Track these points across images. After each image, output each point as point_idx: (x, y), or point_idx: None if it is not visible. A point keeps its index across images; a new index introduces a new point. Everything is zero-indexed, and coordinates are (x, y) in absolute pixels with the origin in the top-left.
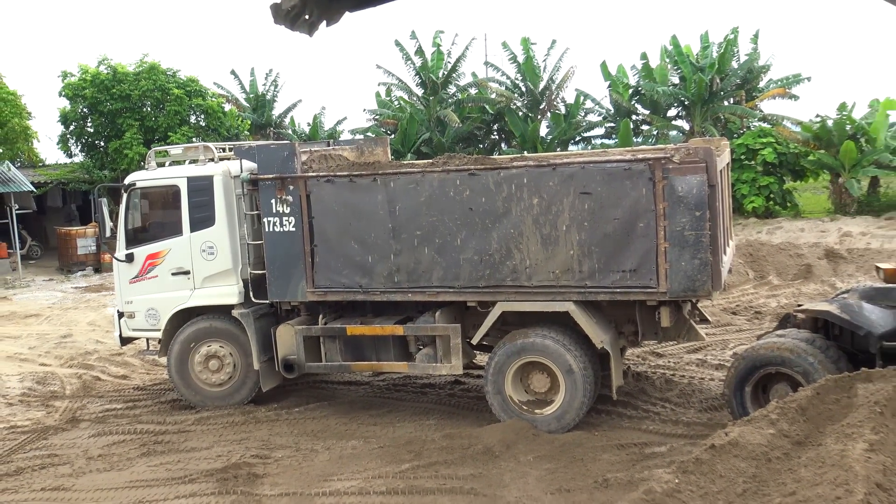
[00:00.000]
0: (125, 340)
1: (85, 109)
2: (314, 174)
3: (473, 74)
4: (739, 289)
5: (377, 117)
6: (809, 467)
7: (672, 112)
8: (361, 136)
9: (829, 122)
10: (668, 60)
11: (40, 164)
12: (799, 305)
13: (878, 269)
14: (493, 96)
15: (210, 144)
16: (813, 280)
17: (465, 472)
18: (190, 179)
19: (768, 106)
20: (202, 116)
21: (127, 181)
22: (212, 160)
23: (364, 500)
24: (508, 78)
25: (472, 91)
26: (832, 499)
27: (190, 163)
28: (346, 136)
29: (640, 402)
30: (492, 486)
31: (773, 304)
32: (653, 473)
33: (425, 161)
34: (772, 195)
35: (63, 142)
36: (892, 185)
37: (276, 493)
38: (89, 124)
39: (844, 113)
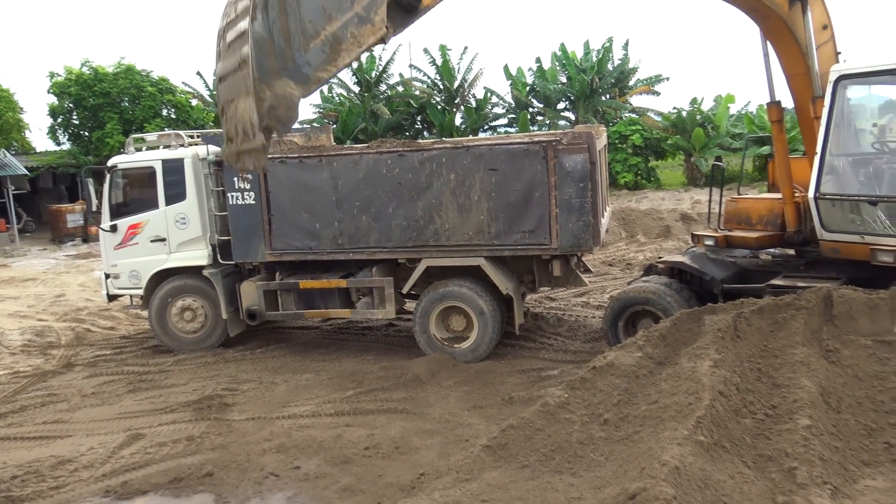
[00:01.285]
0: (111, 298)
1: (70, 104)
2: (270, 156)
3: (400, 75)
4: (614, 245)
5: (321, 110)
6: (668, 381)
7: (561, 105)
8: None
9: (684, 113)
10: (557, 64)
11: (32, 152)
12: (660, 258)
13: (693, 235)
14: (417, 93)
15: (181, 132)
16: (671, 238)
17: (398, 395)
18: (164, 161)
19: (636, 100)
20: (173, 110)
21: (110, 163)
22: (182, 145)
23: (316, 420)
24: (429, 77)
25: (400, 88)
26: (686, 405)
27: (163, 148)
28: (295, 126)
29: (538, 336)
30: (420, 405)
31: (640, 257)
32: (548, 391)
33: (362, 145)
34: (639, 171)
35: (52, 132)
36: (731, 163)
37: (244, 418)
38: (75, 117)
39: (695, 106)
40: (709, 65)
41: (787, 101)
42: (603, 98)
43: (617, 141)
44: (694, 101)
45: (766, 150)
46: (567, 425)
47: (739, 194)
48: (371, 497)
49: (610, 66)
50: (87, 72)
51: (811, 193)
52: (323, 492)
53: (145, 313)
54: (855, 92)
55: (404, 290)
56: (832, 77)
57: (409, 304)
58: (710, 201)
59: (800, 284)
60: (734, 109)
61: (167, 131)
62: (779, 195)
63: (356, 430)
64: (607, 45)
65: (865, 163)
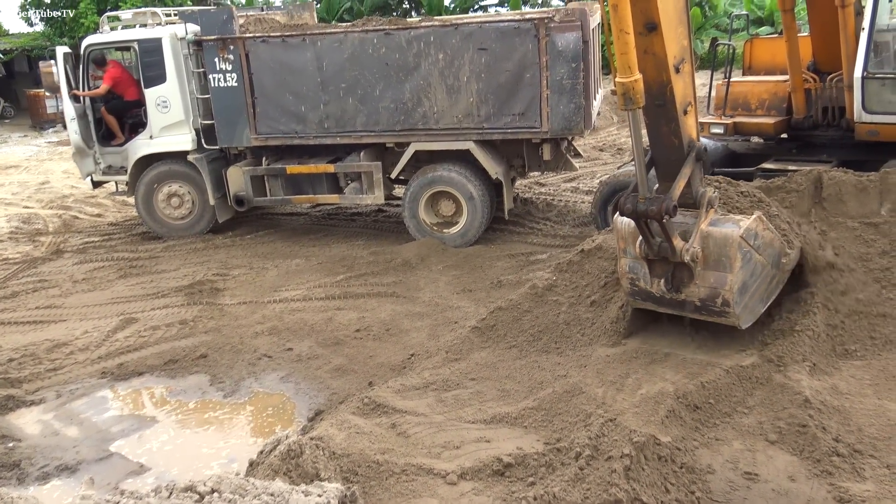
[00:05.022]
0: (97, 184)
1: None
2: (251, 35)
3: None
4: (605, 130)
5: None
6: None
7: None
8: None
9: None
10: None
11: (5, 34)
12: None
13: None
14: None
15: (157, 10)
16: None
17: (388, 279)
18: (141, 42)
19: None
20: None
21: (84, 44)
22: (160, 24)
23: (308, 304)
24: None
25: None
26: None
27: (140, 27)
28: (276, 4)
29: (527, 221)
30: (410, 289)
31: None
32: (536, 274)
33: (347, 24)
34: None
35: (24, 12)
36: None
37: (235, 303)
38: None
39: None
40: None
41: None
42: None
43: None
44: None
45: (765, 30)
46: (554, 307)
47: (728, 78)
48: (362, 376)
49: None
50: None
51: (858, 73)
52: (315, 372)
53: (132, 200)
54: None
55: (393, 175)
56: None
57: (398, 190)
58: (710, 83)
59: (790, 168)
60: None
61: (143, 9)
62: (773, 77)
63: (347, 314)
64: None
65: None
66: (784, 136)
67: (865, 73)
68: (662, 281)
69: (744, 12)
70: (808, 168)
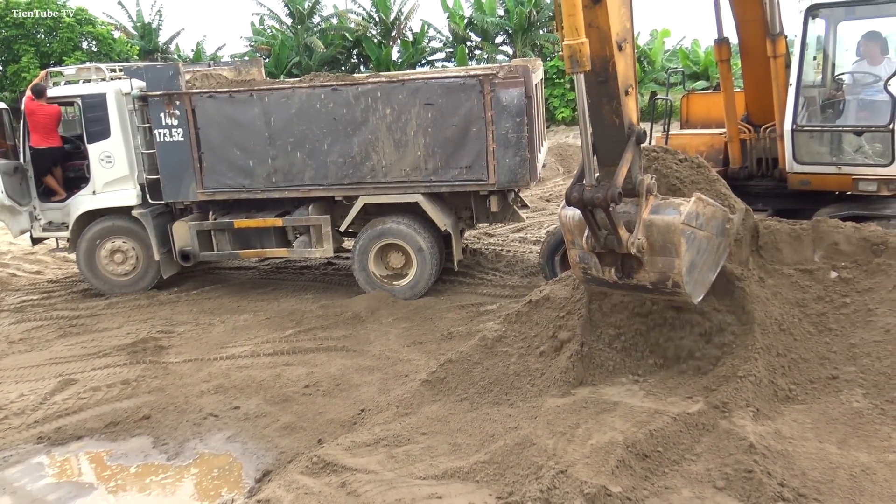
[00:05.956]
0: (36, 241)
1: None
2: (198, 91)
3: (335, 6)
4: (552, 181)
5: (253, 43)
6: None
7: (499, 39)
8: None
9: None
10: None
11: None
12: None
13: None
14: (352, 25)
15: (101, 66)
16: None
17: (338, 333)
18: (84, 97)
19: None
20: (93, 43)
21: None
22: (104, 79)
23: (255, 360)
24: (364, 10)
25: (334, 21)
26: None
27: (84, 82)
28: (224, 60)
29: (476, 271)
30: (360, 343)
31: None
32: (486, 325)
33: (295, 79)
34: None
35: None
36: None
37: (181, 360)
38: None
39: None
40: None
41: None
42: (541, 32)
43: (555, 76)
44: None
45: (700, 85)
46: (504, 358)
47: (667, 131)
48: (312, 434)
49: (548, 0)
50: None
51: (787, 126)
52: (263, 430)
53: (73, 256)
54: (822, 24)
55: (342, 228)
56: (802, 6)
57: (347, 242)
58: (650, 136)
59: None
60: (669, 44)
61: (87, 65)
62: (709, 131)
63: (296, 369)
64: None
65: (837, 93)
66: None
67: (794, 126)
68: (613, 270)
69: (680, 68)
70: None
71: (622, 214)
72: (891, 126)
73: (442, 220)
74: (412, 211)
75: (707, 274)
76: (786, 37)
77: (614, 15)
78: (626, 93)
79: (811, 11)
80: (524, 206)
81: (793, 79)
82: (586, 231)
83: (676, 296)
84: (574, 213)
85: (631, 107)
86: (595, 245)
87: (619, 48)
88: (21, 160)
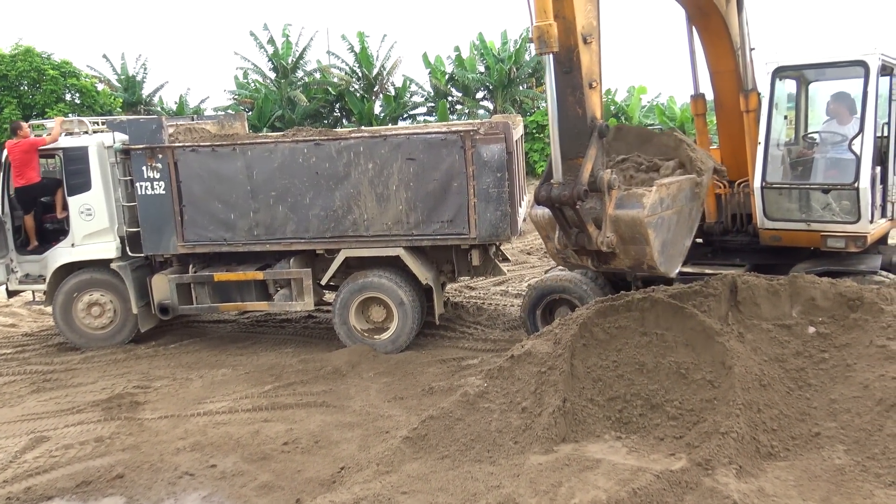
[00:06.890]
0: (12, 293)
1: None
2: (180, 144)
3: (318, 61)
4: (532, 234)
5: (236, 97)
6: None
7: (480, 95)
8: (222, 113)
9: None
10: (476, 53)
11: None
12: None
13: None
14: (335, 80)
15: (84, 118)
16: None
17: (318, 388)
18: (66, 150)
19: None
20: (77, 95)
21: (6, 150)
22: (86, 132)
23: (233, 417)
24: (347, 65)
25: (317, 75)
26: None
27: (66, 135)
28: (208, 113)
29: (458, 325)
30: (340, 398)
31: None
32: (467, 380)
33: (278, 133)
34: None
35: None
36: None
37: (157, 416)
38: None
39: (609, 96)
40: (622, 56)
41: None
42: (521, 88)
43: (535, 130)
44: (608, 91)
45: None
46: (486, 414)
47: None
48: (290, 493)
49: (527, 57)
50: None
51: (757, 183)
52: (240, 490)
53: (49, 309)
54: (790, 84)
55: (323, 282)
56: (769, 69)
57: (329, 296)
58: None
59: (707, 271)
60: (646, 100)
61: (70, 117)
62: None
63: (275, 426)
64: (525, 35)
65: (807, 151)
66: (699, 240)
67: (764, 183)
68: (590, 260)
69: (657, 124)
70: (723, 272)
71: (589, 211)
72: (856, 184)
73: (423, 274)
74: (394, 264)
75: (682, 242)
76: (759, 93)
77: (580, 6)
78: (591, 86)
79: (778, 73)
80: (505, 259)
81: (761, 137)
82: (558, 231)
83: (653, 272)
84: (544, 211)
85: (595, 101)
86: (567, 243)
87: (585, 41)
88: (0, 213)
